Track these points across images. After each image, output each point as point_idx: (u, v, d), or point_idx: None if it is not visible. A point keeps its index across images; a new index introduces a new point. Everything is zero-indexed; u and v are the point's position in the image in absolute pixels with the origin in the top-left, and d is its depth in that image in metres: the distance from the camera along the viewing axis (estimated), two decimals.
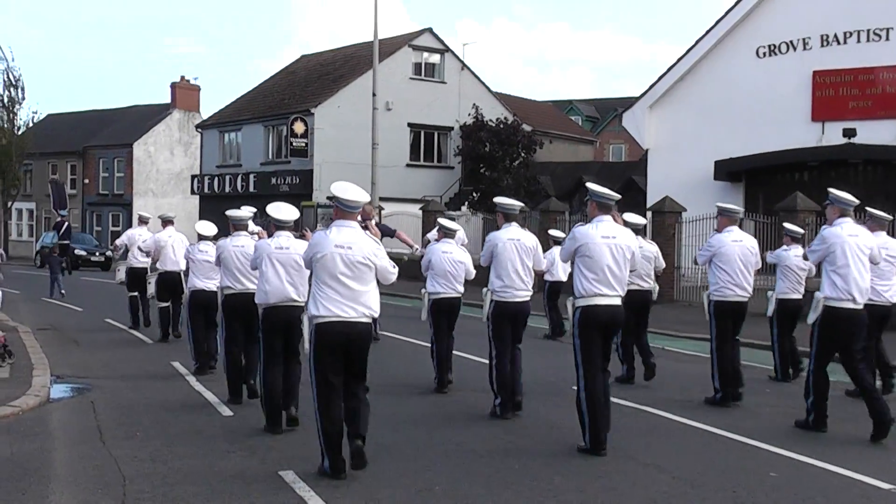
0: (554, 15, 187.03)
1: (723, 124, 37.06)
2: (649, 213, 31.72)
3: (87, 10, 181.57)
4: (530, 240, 13.00)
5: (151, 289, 21.46)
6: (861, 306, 12.08)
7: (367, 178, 42.13)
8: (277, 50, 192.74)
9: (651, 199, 36.32)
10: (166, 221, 21.39)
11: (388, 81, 49.01)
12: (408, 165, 53.76)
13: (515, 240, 12.83)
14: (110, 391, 14.71)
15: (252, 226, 14.39)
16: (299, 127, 50.86)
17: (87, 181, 71.96)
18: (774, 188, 34.88)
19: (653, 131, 39.73)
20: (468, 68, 56.32)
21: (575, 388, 11.10)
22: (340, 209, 9.79)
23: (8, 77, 48.71)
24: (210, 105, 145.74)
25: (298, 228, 12.20)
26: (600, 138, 72.80)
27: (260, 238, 13.08)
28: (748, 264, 14.21)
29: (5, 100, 48.92)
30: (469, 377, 15.49)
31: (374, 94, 41.89)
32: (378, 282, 9.83)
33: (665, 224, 31.78)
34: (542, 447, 11.18)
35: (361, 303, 9.62)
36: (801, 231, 17.18)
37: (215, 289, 15.39)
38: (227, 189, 55.95)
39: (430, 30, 55.53)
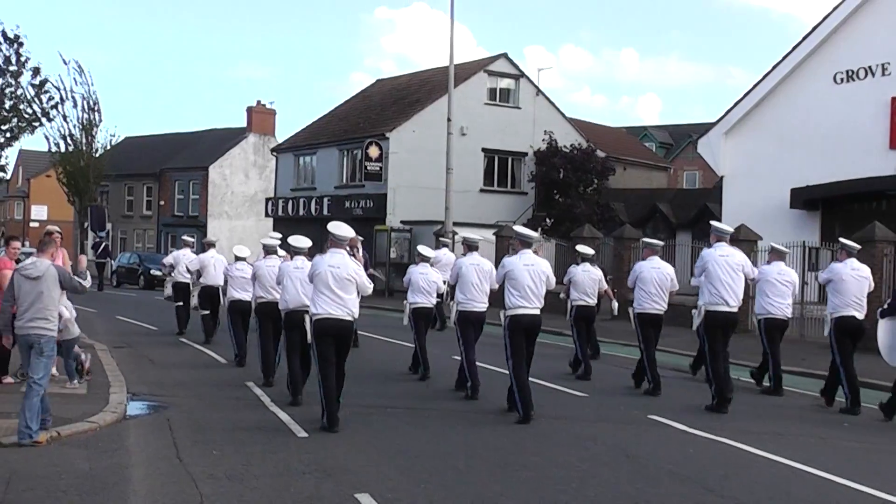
0: (620, 41, 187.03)
1: (799, 151, 36.33)
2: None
3: (164, 34, 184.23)
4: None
5: (195, 300, 25.06)
6: (734, 309, 15.79)
7: (440, 202, 42.25)
8: (346, 74, 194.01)
9: None
10: (209, 244, 25.62)
11: (463, 106, 48.85)
12: (481, 191, 53.29)
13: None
14: (186, 409, 14.85)
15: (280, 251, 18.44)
16: (374, 151, 50.76)
17: (162, 203, 72.52)
18: (851, 217, 34.22)
19: (728, 158, 39.19)
20: (543, 94, 56.04)
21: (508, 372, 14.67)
22: (334, 240, 13.74)
23: (88, 101, 49.32)
24: (283, 129, 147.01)
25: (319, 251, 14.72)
26: (674, 165, 72.27)
27: (284, 261, 16.81)
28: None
29: (84, 122, 49.43)
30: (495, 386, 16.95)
31: (448, 119, 41.56)
32: (359, 293, 13.84)
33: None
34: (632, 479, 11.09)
35: (346, 306, 13.62)
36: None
37: (249, 298, 19.36)
38: (301, 212, 56.04)
39: (505, 55, 55.20)
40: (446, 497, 9.82)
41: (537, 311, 14.83)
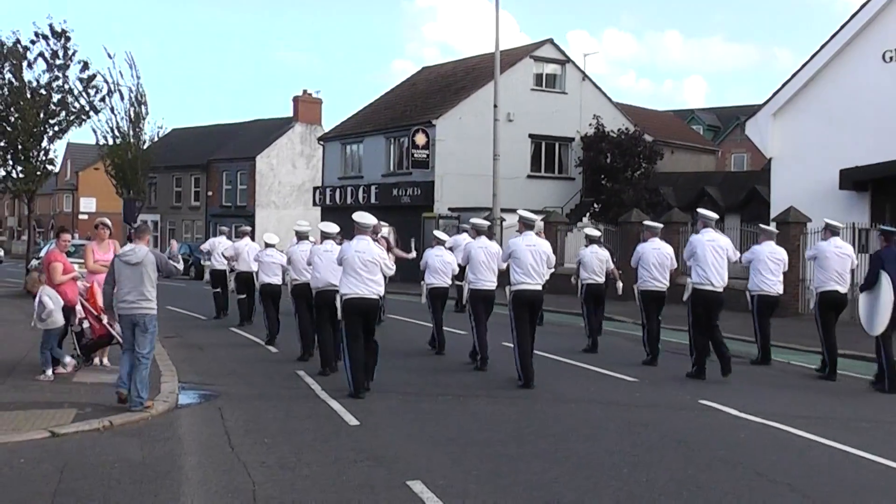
0: (663, 23, 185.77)
1: (848, 132, 35.62)
2: (773, 224, 30.77)
3: (208, 26, 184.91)
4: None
5: (232, 284, 26.40)
6: (719, 289, 17.10)
7: (487, 189, 41.78)
8: (388, 62, 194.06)
9: (775, 210, 35.27)
10: (243, 233, 26.77)
11: (509, 92, 48.57)
12: (529, 177, 52.96)
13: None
14: (237, 398, 14.82)
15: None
16: (421, 138, 50.68)
17: (210, 193, 72.86)
18: None
19: (776, 140, 38.50)
20: (589, 79, 55.67)
21: (510, 344, 16.26)
22: (358, 228, 15.12)
23: (135, 94, 49.55)
24: (329, 118, 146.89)
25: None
26: (722, 147, 71.19)
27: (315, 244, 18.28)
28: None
29: (132, 115, 49.67)
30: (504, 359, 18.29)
31: (495, 106, 41.04)
32: (384, 274, 15.18)
33: (790, 235, 31.03)
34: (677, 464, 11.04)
35: (371, 286, 14.93)
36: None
37: (278, 282, 21.54)
38: (349, 200, 55.50)
39: (550, 40, 54.86)
40: (498, 484, 9.81)
41: (539, 287, 16.23)
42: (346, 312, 14.94)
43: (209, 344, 22.07)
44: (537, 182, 53.33)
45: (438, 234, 21.36)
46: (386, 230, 27.43)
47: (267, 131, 73.09)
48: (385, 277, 15.80)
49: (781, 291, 19.84)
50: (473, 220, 19.98)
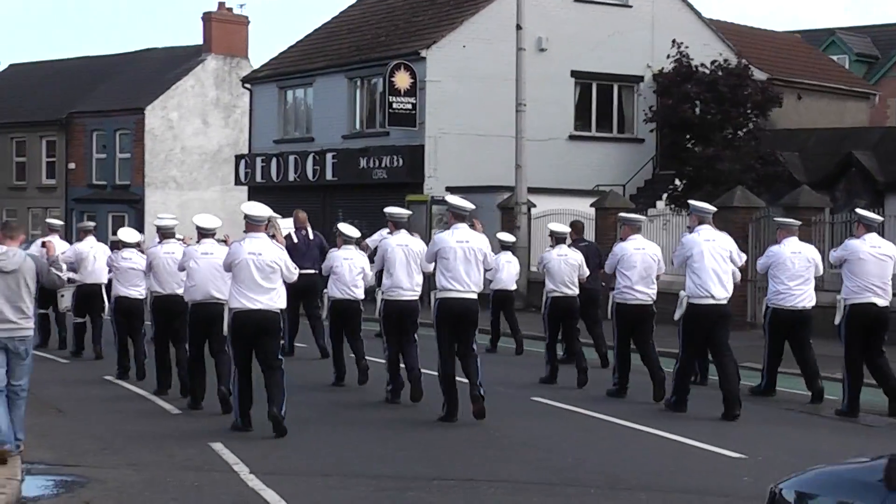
0: None
1: None
2: None
3: None
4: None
5: (68, 302, 24.05)
6: (722, 302, 16.45)
7: (506, 156, 36.25)
8: None
9: None
10: (85, 231, 24.65)
11: (540, 6, 40.11)
12: (572, 137, 42.90)
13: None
14: (115, 488, 12.69)
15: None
16: (403, 79, 40.84)
17: (72, 166, 60.13)
18: None
19: None
20: None
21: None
22: (249, 223, 14.62)
23: None
24: (258, 49, 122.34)
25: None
26: (881, 89, 59.54)
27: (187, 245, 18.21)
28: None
29: None
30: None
31: (518, 27, 35.03)
32: (285, 281, 15.10)
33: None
34: None
35: (271, 296, 14.50)
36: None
37: (139, 296, 20.12)
38: (292, 176, 45.67)
39: None
40: None
41: (473, 296, 15.88)
42: (236, 332, 14.29)
43: (70, 402, 18.90)
44: (585, 146, 43.52)
45: (345, 227, 19.67)
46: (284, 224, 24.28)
47: (163, 67, 59.76)
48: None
49: (810, 305, 18.29)
50: (389, 210, 18.61)
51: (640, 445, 13.66)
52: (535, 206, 35.77)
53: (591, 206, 35.14)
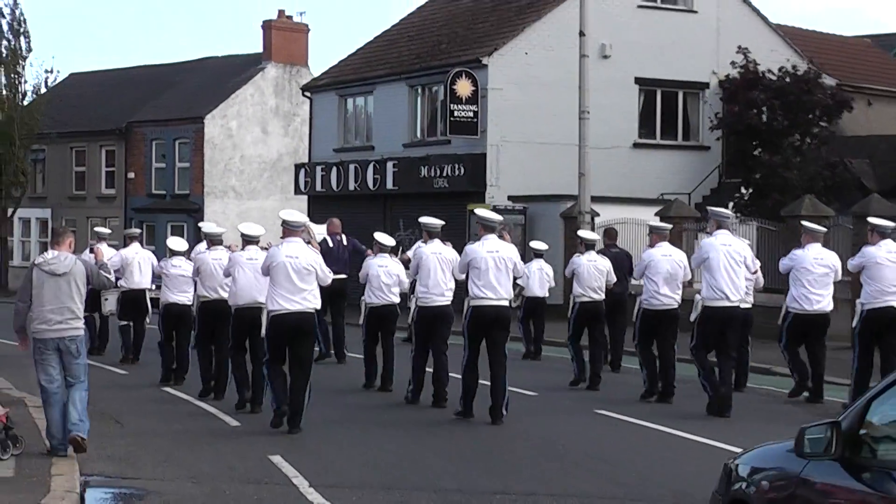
0: None
1: None
2: None
3: None
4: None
5: (110, 306, 24.75)
6: (736, 303, 17.05)
7: (569, 164, 35.66)
8: None
9: None
10: (131, 238, 24.80)
11: (603, 12, 39.56)
12: (636, 145, 43.37)
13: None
14: (175, 501, 12.61)
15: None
16: (464, 87, 41.06)
17: (131, 175, 59.44)
18: None
19: None
20: None
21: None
22: (287, 228, 15.39)
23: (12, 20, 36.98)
24: (318, 56, 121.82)
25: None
26: None
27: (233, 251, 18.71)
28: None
29: (3, 51, 36.69)
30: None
31: (581, 34, 34.27)
32: (321, 284, 15.90)
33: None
34: None
35: (306, 298, 15.45)
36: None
37: (188, 301, 20.96)
38: (352, 185, 45.63)
39: None
40: None
41: (504, 303, 16.37)
42: (272, 332, 15.19)
43: (130, 414, 18.75)
44: (649, 154, 43.89)
45: (381, 236, 20.38)
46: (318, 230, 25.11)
47: (221, 77, 59.49)
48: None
49: (828, 309, 18.86)
50: (424, 220, 19.18)
51: (707, 461, 13.41)
52: (598, 214, 35.63)
53: (656, 214, 34.56)
